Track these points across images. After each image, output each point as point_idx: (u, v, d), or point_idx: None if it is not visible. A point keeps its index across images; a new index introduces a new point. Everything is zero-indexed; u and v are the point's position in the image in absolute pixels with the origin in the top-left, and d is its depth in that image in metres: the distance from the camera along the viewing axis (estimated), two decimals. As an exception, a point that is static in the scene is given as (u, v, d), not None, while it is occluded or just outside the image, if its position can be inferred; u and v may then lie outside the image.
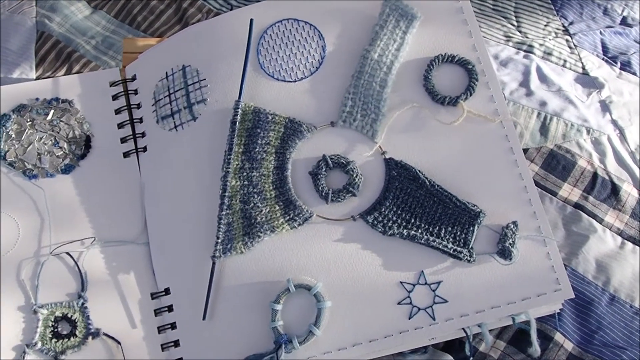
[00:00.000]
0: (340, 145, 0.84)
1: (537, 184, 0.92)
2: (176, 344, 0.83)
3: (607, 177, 0.93)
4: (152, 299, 0.85)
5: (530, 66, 1.02)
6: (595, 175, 0.93)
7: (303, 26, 0.88)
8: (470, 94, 0.83)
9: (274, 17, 0.89)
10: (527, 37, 1.05)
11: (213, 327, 0.81)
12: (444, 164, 0.82)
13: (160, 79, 0.91)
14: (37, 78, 1.02)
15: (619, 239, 0.90)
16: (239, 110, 0.84)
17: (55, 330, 0.82)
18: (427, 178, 0.80)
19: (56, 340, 0.82)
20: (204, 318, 0.81)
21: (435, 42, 0.86)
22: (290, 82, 0.86)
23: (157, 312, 0.85)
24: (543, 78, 1.01)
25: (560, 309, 0.83)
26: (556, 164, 0.94)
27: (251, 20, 0.87)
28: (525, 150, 0.93)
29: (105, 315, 0.84)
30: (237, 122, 0.84)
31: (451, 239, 0.78)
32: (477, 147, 0.82)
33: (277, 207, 0.81)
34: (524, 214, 0.80)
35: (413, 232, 0.78)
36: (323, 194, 0.81)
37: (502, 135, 0.82)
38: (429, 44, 0.86)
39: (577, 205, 0.92)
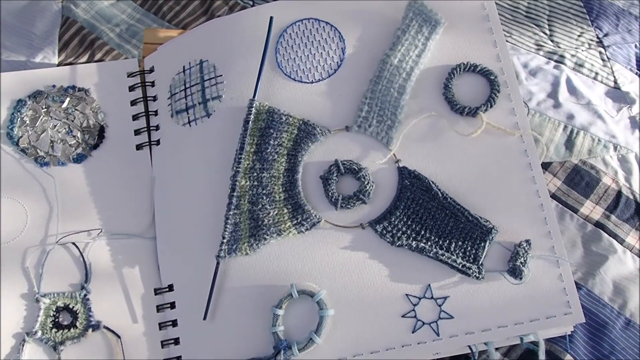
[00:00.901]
0: (353, 151, 0.82)
1: (558, 199, 0.89)
2: (176, 341, 0.83)
3: (631, 197, 0.90)
4: (155, 294, 0.85)
5: (560, 77, 0.98)
6: (619, 193, 0.90)
7: (324, 27, 0.86)
8: (491, 106, 0.81)
9: (295, 16, 0.87)
10: (559, 47, 1.02)
11: (214, 327, 0.80)
12: (459, 176, 0.80)
13: (178, 72, 0.90)
14: (59, 64, 1.02)
15: (639, 261, 0.87)
16: (253, 110, 0.83)
17: (56, 320, 0.82)
18: (440, 190, 0.78)
19: (56, 330, 0.82)
20: (204, 318, 0.80)
21: (458, 49, 0.84)
22: (307, 83, 0.85)
23: (160, 308, 0.84)
24: (572, 90, 0.97)
25: (572, 331, 0.80)
26: (579, 180, 0.91)
27: (271, 18, 0.86)
28: (548, 164, 0.91)
29: (107, 308, 0.84)
30: (250, 122, 0.82)
31: (461, 254, 0.76)
32: (494, 160, 0.80)
33: (286, 210, 0.80)
34: (538, 232, 0.77)
35: (422, 244, 0.76)
36: (333, 199, 0.79)
37: (521, 149, 0.80)
38: (452, 52, 0.84)
39: (598, 224, 0.89)
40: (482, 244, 0.76)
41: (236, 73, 0.87)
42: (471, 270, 0.75)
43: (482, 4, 0.85)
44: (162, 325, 0.83)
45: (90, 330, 0.82)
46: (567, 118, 0.95)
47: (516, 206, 0.78)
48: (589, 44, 1.02)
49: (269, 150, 0.82)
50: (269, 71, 0.86)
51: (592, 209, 0.89)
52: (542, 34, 1.04)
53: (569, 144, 0.93)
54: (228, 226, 0.80)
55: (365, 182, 0.79)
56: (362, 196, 0.79)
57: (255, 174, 0.82)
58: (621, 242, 0.88)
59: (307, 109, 0.84)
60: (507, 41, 0.97)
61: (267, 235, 0.79)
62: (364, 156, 0.82)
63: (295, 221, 0.79)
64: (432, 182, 0.78)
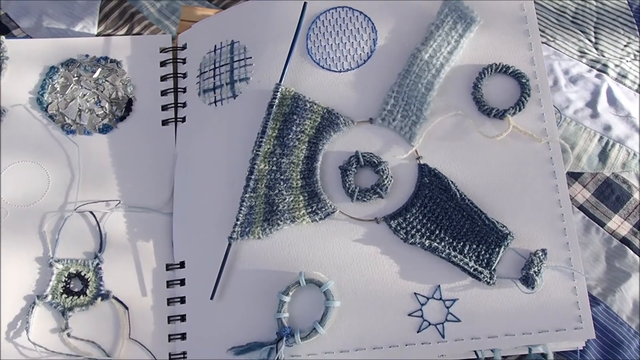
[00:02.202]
0: (375, 144, 0.81)
1: (585, 211, 0.87)
2: (183, 318, 0.83)
3: (662, 215, 0.88)
4: (167, 270, 0.85)
5: (600, 86, 0.95)
6: (650, 211, 0.88)
7: (357, 16, 0.85)
8: (520, 109, 0.79)
9: (329, 4, 0.87)
10: (603, 56, 0.99)
11: (221, 307, 0.80)
12: (480, 178, 0.78)
13: (209, 51, 0.90)
14: (98, 34, 1.02)
15: (664, 282, 0.85)
16: (278, 94, 0.82)
17: (67, 286, 0.83)
18: (458, 190, 0.76)
19: (66, 296, 0.83)
20: (211, 298, 0.80)
21: (492, 49, 0.82)
22: (335, 72, 0.84)
23: (170, 283, 0.85)
24: (612, 101, 0.95)
25: (584, 346, 0.78)
26: (610, 193, 0.88)
27: (305, 3, 0.85)
28: (579, 174, 0.88)
29: (117, 279, 0.84)
30: (275, 106, 0.82)
31: (474, 258, 0.75)
32: (517, 165, 0.78)
33: (301, 198, 0.79)
34: (556, 243, 0.75)
35: (435, 244, 0.75)
36: (349, 191, 0.79)
37: (546, 157, 0.78)
38: (485, 51, 0.82)
39: (624, 240, 0.86)
40: (497, 249, 0.74)
41: (266, 56, 0.86)
42: (482, 275, 0.73)
43: (520, 4, 0.83)
44: (170, 301, 0.84)
45: (100, 299, 0.82)
46: (604, 129, 0.92)
47: (536, 214, 0.76)
48: (635, 55, 0.99)
49: (290, 136, 0.81)
50: (298, 57, 0.85)
51: (619, 224, 0.87)
52: (587, 41, 1.01)
53: (603, 155, 0.90)
54: (243, 208, 0.80)
55: (384, 176, 0.78)
56: (379, 190, 0.78)
57: (274, 159, 0.81)
58: (646, 260, 0.86)
59: (333, 97, 0.83)
60: (549, 45, 0.96)
61: (281, 221, 0.79)
62: (385, 150, 0.80)
63: (310, 209, 0.79)
64: (452, 181, 0.77)
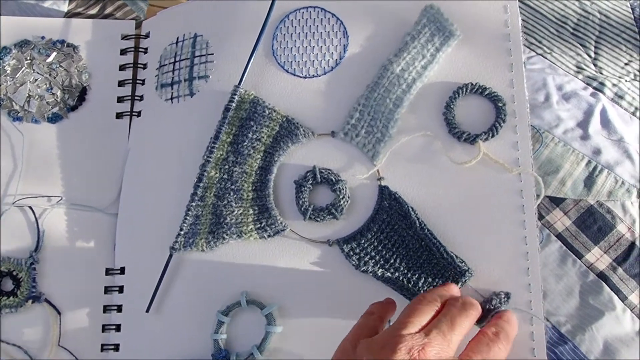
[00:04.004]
0: (335, 160, 0.75)
1: (563, 240, 0.81)
2: (118, 328, 0.78)
3: (645, 251, 0.82)
4: (106, 274, 0.80)
5: (595, 106, 0.89)
6: (632, 245, 0.81)
7: (329, 18, 0.79)
8: (492, 135, 0.73)
9: (301, 2, 0.80)
10: (601, 73, 0.92)
11: (157, 321, 0.76)
12: (444, 206, 0.72)
13: (171, 42, 0.84)
14: (67, 12, 0.96)
15: (639, 323, 0.79)
16: (236, 97, 0.76)
17: (-3, 285, 0.78)
18: (418, 218, 0.70)
19: (-5, 295, 0.77)
20: (147, 310, 0.75)
21: (470, 67, 0.76)
22: (300, 77, 0.78)
23: (108, 289, 0.80)
24: (606, 123, 0.88)
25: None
26: (592, 223, 0.82)
27: (273, 0, 0.79)
28: (561, 200, 0.82)
29: (52, 281, 0.79)
30: (231, 110, 0.76)
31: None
32: (485, 196, 0.72)
33: (251, 211, 0.74)
34: (517, 283, 0.70)
35: (389, 274, 0.70)
36: (302, 208, 0.73)
37: (516, 189, 0.72)
38: (462, 68, 0.76)
39: (601, 275, 0.80)
40: (454, 286, 0.69)
41: (228, 54, 0.81)
42: (433, 313, 0.68)
43: (505, 20, 0.76)
44: (106, 309, 0.79)
45: (31, 301, 0.77)
46: (593, 153, 0.85)
47: (499, 250, 0.71)
48: (635, 75, 0.93)
49: (245, 143, 0.75)
50: (263, 58, 0.79)
51: (598, 257, 0.81)
52: (585, 56, 0.94)
53: (589, 181, 0.84)
54: (188, 218, 0.75)
55: (340, 196, 0.72)
56: (334, 210, 0.72)
57: (227, 167, 0.76)
58: (623, 299, 0.79)
59: (295, 105, 0.77)
60: (545, 58, 0.89)
61: (227, 235, 0.74)
62: (345, 167, 0.75)
63: (259, 225, 0.73)
64: (412, 208, 0.71)
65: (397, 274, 0.70)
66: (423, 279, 0.70)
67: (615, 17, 0.95)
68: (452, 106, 0.74)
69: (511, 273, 0.70)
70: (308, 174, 0.74)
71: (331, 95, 0.77)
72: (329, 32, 0.79)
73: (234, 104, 0.76)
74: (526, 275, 0.70)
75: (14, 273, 0.78)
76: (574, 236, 0.81)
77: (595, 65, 0.93)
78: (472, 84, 0.74)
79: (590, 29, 0.95)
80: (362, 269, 0.70)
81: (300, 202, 0.73)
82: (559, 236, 0.81)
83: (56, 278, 0.79)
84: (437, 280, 0.69)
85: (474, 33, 0.76)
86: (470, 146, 0.73)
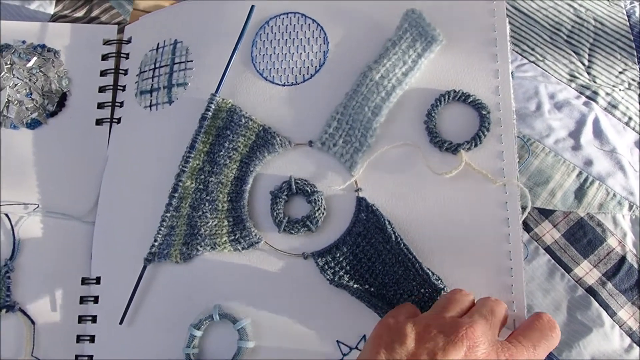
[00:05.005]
0: (313, 170, 0.73)
1: (552, 254, 0.78)
2: (92, 339, 0.77)
3: (636, 265, 0.78)
4: (82, 284, 0.79)
5: (587, 116, 0.85)
6: (622, 259, 0.78)
7: (310, 24, 0.77)
8: (476, 145, 0.70)
9: (281, 8, 0.78)
10: (595, 82, 0.89)
11: (130, 333, 0.75)
12: (425, 219, 0.69)
13: (151, 49, 0.83)
14: (54, 14, 0.95)
15: (628, 340, 0.75)
16: (212, 106, 0.75)
17: (-30, 294, 0.77)
18: (394, 232, 0.68)
19: (-32, 304, 0.76)
20: (120, 322, 0.73)
21: (454, 74, 0.73)
22: (279, 85, 0.76)
23: (83, 299, 0.78)
24: (598, 133, 0.85)
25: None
26: (582, 236, 0.79)
27: (252, 6, 0.76)
28: (550, 212, 0.79)
29: (27, 289, 0.78)
30: (208, 119, 0.74)
31: None
32: (467, 208, 0.69)
33: (226, 223, 0.72)
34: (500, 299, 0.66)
35: (363, 289, 0.67)
36: (277, 220, 0.71)
37: (501, 201, 0.68)
38: (446, 75, 0.73)
39: (589, 290, 0.77)
40: (430, 304, 0.66)
41: (207, 61, 0.79)
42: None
43: (492, 24, 0.73)
44: (81, 319, 0.78)
45: (4, 310, 0.76)
46: (585, 164, 0.82)
47: (481, 266, 0.67)
48: (630, 84, 0.89)
49: (222, 153, 0.74)
50: (241, 65, 0.77)
51: (587, 271, 0.78)
52: (579, 64, 0.91)
53: (580, 193, 0.81)
54: (162, 228, 0.74)
55: (316, 208, 0.70)
56: (308, 223, 0.70)
57: (202, 177, 0.74)
58: (612, 314, 0.76)
59: (273, 114, 0.75)
60: (537, 65, 0.86)
61: (200, 246, 0.72)
62: (322, 178, 0.72)
63: (233, 237, 0.71)
64: (389, 221, 0.68)
65: (372, 289, 0.68)
66: (399, 295, 0.67)
67: (610, 25, 0.92)
68: (433, 114, 0.71)
69: (494, 290, 0.66)
70: (284, 184, 0.72)
71: (310, 104, 0.75)
72: (309, 38, 0.77)
73: (210, 113, 0.74)
74: (509, 292, 0.67)
75: (-12, 282, 0.77)
76: (563, 249, 0.78)
77: (589, 73, 0.90)
78: (454, 91, 0.71)
79: (585, 36, 0.92)
80: (335, 283, 0.68)
81: (275, 214, 0.71)
82: (548, 249, 0.78)
83: (31, 287, 0.78)
84: (412, 297, 0.66)
85: (458, 38, 0.73)
86: (453, 156, 0.70)
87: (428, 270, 0.66)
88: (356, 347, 0.67)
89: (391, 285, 0.67)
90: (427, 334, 0.56)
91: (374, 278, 0.68)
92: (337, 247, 0.69)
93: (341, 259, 0.69)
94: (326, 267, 0.69)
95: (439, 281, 0.66)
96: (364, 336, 0.67)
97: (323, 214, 0.70)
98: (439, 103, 0.71)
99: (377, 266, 0.68)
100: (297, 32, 0.77)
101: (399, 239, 0.67)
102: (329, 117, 0.73)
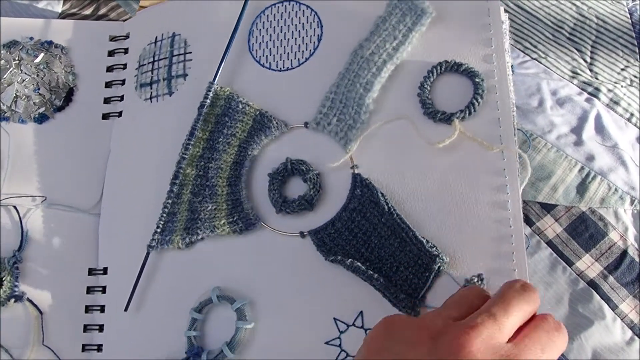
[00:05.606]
0: (309, 150, 0.73)
1: (554, 247, 0.77)
2: (101, 328, 0.78)
3: (637, 259, 0.76)
4: (89, 274, 0.80)
5: (589, 112, 0.85)
6: (624, 253, 0.77)
7: (304, 10, 0.77)
8: (469, 113, 0.68)
9: (275, -3, 0.79)
10: (597, 79, 0.88)
11: (137, 320, 0.75)
12: (421, 191, 0.68)
13: (149, 42, 0.84)
14: (62, 13, 0.97)
15: (629, 333, 0.74)
16: (210, 94, 0.76)
17: (-21, 284, 0.78)
18: (387, 203, 0.67)
19: (-23, 294, 0.78)
20: (125, 309, 0.74)
21: (446, 45, 0.72)
22: (276, 70, 0.77)
23: (90, 290, 0.79)
24: (600, 129, 0.84)
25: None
26: (583, 230, 0.78)
27: (246, -1, 0.78)
28: (552, 207, 0.78)
29: (35, 280, 0.79)
30: (206, 106, 0.75)
31: (400, 282, 0.66)
32: (464, 178, 0.67)
33: (225, 206, 0.73)
34: (502, 268, 0.64)
35: (358, 263, 0.66)
36: (274, 201, 0.71)
37: (498, 168, 0.67)
38: (438, 47, 0.72)
39: (591, 283, 0.76)
40: (426, 274, 0.65)
41: (205, 52, 0.80)
42: (403, 304, 0.64)
43: (485, -5, 0.72)
44: (89, 309, 0.79)
45: (13, 300, 0.77)
46: (586, 159, 0.81)
47: (481, 234, 0.66)
48: (631, 81, 0.88)
49: (220, 139, 0.75)
50: (239, 54, 0.78)
51: (589, 264, 0.77)
52: (581, 61, 0.90)
53: (582, 188, 0.80)
54: (164, 215, 0.74)
55: (311, 187, 0.70)
56: (304, 201, 0.70)
57: (202, 163, 0.75)
58: (613, 307, 0.75)
59: (272, 99, 0.76)
60: (540, 62, 0.86)
61: (200, 230, 0.72)
62: (319, 157, 0.72)
63: (231, 219, 0.72)
64: (382, 193, 0.68)
65: (368, 263, 0.67)
66: (395, 268, 0.66)
67: (612, 22, 0.91)
68: (425, 86, 0.70)
69: (494, 258, 0.65)
70: (280, 166, 0.72)
71: (306, 87, 0.75)
72: (303, 23, 0.77)
73: (208, 101, 0.75)
74: (510, 260, 0.65)
75: (-4, 272, 0.78)
76: (564, 243, 0.78)
77: (591, 70, 0.89)
78: (446, 62, 0.70)
79: (587, 33, 0.92)
80: (330, 259, 0.67)
81: (272, 195, 0.71)
82: (550, 243, 0.77)
83: (39, 278, 0.79)
84: (409, 269, 0.66)
85: (450, 9, 0.73)
86: (449, 127, 0.69)
87: (422, 239, 0.65)
88: (353, 324, 0.67)
89: (387, 258, 0.67)
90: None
91: (369, 252, 0.67)
92: (333, 223, 0.69)
93: (336, 235, 0.69)
94: (321, 243, 0.69)
95: (434, 248, 0.65)
96: (361, 312, 0.67)
97: (318, 191, 0.70)
98: (431, 75, 0.71)
99: (373, 240, 0.68)
100: (292, 18, 0.78)
101: (392, 210, 0.67)
102: (324, 98, 0.73)
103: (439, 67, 0.71)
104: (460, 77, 0.71)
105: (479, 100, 0.69)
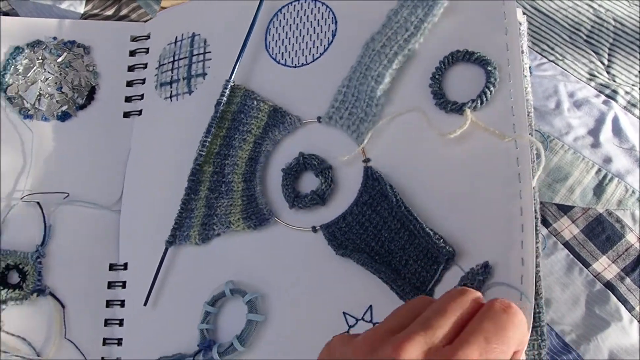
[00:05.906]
0: (322, 145, 0.73)
1: (571, 249, 0.76)
2: (121, 323, 0.79)
3: (654, 262, 0.76)
4: (110, 270, 0.82)
5: (607, 114, 0.84)
6: (641, 255, 0.77)
7: (319, 7, 0.78)
8: (481, 103, 0.67)
9: (291, -4, 0.80)
10: (614, 81, 0.87)
11: (155, 315, 0.77)
12: (434, 184, 0.67)
13: (169, 42, 0.86)
14: (84, 13, 1.00)
15: (646, 334, 0.74)
16: (227, 92, 0.77)
17: (4, 278, 0.80)
18: (396, 195, 0.66)
19: (2, 287, 0.80)
20: (145, 304, 0.76)
21: (460, 35, 0.70)
22: (291, 67, 0.77)
23: (111, 285, 0.81)
24: (617, 131, 0.83)
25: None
26: (600, 232, 0.77)
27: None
28: (569, 208, 0.78)
29: (58, 275, 0.81)
30: (223, 104, 0.77)
31: (409, 275, 0.65)
32: (478, 167, 0.66)
33: (240, 202, 0.74)
34: (511, 257, 0.61)
35: (366, 257, 0.66)
36: (286, 196, 0.72)
37: (512, 157, 0.64)
38: (452, 37, 0.70)
39: (608, 285, 0.75)
40: (434, 267, 0.64)
41: (224, 52, 0.81)
42: (411, 297, 0.64)
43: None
44: (109, 303, 0.80)
45: (36, 294, 0.79)
46: (604, 161, 0.81)
47: (492, 223, 0.63)
48: (649, 83, 0.88)
49: (237, 136, 0.76)
50: (256, 52, 0.79)
51: (606, 266, 0.76)
52: (598, 63, 0.90)
53: (599, 190, 0.79)
54: (182, 212, 0.76)
55: (323, 181, 0.71)
56: (316, 196, 0.70)
57: (219, 160, 0.76)
58: (630, 309, 0.74)
59: (287, 95, 0.76)
60: (557, 65, 0.87)
61: (216, 226, 0.74)
62: (332, 152, 0.72)
63: (245, 214, 0.73)
64: (390, 185, 0.67)
65: (377, 256, 0.67)
66: (404, 261, 0.66)
67: (629, 25, 0.91)
68: (438, 76, 0.69)
69: (504, 246, 0.62)
70: (293, 161, 0.73)
71: (320, 82, 0.75)
72: (318, 20, 0.78)
73: (224, 98, 0.76)
74: (520, 248, 0.62)
75: (20, 266, 0.80)
76: (581, 245, 0.77)
77: (608, 72, 0.89)
78: (458, 51, 0.69)
79: (605, 36, 0.91)
80: (339, 253, 0.68)
81: (285, 190, 0.72)
82: (566, 244, 0.77)
83: (61, 272, 0.81)
84: (418, 262, 0.65)
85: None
86: (461, 117, 0.67)
87: (430, 231, 0.64)
88: (362, 319, 0.67)
89: (397, 251, 0.66)
90: None
91: (380, 246, 0.67)
92: (344, 217, 0.69)
93: (346, 228, 0.69)
94: (331, 237, 0.69)
95: (441, 240, 0.64)
96: (370, 306, 0.67)
97: (330, 186, 0.70)
98: (443, 65, 0.70)
99: (384, 233, 0.67)
100: (307, 15, 0.78)
101: (400, 202, 0.66)
102: (336, 92, 0.73)
103: (450, 57, 0.70)
104: (472, 66, 0.69)
105: (491, 88, 0.67)
